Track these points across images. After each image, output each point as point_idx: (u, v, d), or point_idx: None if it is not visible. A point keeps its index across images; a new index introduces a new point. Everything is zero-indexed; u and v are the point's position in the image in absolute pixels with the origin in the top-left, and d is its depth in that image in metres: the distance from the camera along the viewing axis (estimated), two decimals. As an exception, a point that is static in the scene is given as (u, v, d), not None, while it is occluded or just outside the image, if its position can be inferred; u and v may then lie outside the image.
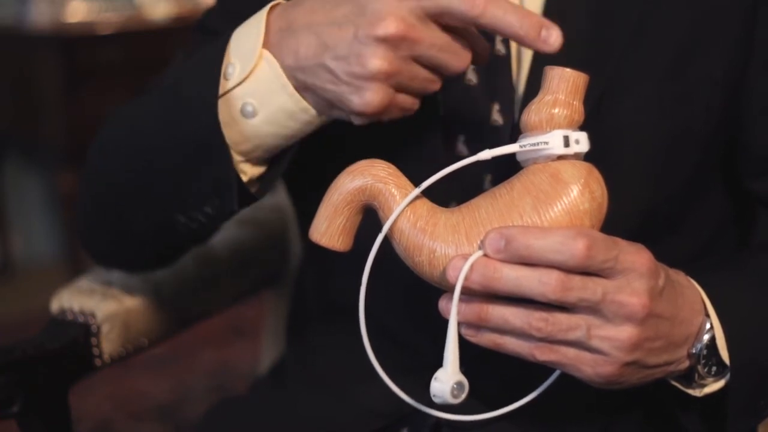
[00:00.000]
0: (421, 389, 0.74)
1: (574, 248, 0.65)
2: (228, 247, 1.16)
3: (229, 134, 0.76)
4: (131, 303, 1.02)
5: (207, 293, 1.13)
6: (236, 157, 0.78)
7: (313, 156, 0.84)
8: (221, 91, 0.76)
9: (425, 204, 0.71)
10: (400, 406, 0.76)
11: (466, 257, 0.67)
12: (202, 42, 0.89)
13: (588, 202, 0.68)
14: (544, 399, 0.75)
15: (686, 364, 0.74)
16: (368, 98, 0.71)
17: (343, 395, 0.89)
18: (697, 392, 0.76)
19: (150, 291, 1.06)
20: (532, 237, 0.66)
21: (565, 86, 0.70)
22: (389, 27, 0.69)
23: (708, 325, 0.74)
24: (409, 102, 0.74)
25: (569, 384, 0.74)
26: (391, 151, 0.77)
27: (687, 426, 0.81)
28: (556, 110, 0.70)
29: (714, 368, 0.75)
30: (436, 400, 0.69)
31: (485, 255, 0.67)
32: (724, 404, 0.77)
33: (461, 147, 0.82)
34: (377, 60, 0.69)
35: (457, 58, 0.72)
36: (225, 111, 0.76)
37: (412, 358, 0.83)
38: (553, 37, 0.70)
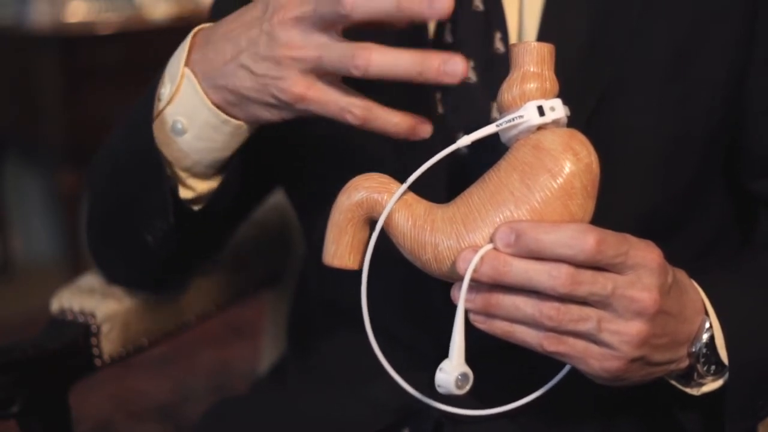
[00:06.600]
0: (420, 388, 0.74)
1: (584, 243, 0.65)
2: (228, 247, 1.16)
3: (169, 152, 0.79)
4: (131, 303, 1.02)
5: (207, 293, 1.13)
6: (182, 174, 0.81)
7: (315, 166, 0.84)
8: (155, 112, 0.78)
9: (421, 204, 0.71)
10: (402, 404, 0.76)
11: (476, 249, 0.67)
12: None
13: (573, 164, 0.68)
14: (545, 398, 0.75)
15: (686, 362, 0.74)
16: (288, 81, 0.70)
17: (343, 394, 0.89)
18: (694, 391, 0.76)
19: (150, 291, 1.06)
20: (542, 231, 0.66)
21: (530, 58, 0.70)
22: (290, 11, 0.69)
23: (707, 325, 0.74)
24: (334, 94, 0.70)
25: (570, 383, 0.74)
26: (392, 153, 0.77)
27: (686, 426, 0.81)
28: (527, 84, 0.70)
29: (713, 367, 0.75)
30: (440, 390, 0.68)
31: (495, 249, 0.67)
32: (722, 404, 0.77)
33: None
34: (284, 35, 0.69)
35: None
36: (160, 131, 0.79)
37: (411, 357, 0.83)
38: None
